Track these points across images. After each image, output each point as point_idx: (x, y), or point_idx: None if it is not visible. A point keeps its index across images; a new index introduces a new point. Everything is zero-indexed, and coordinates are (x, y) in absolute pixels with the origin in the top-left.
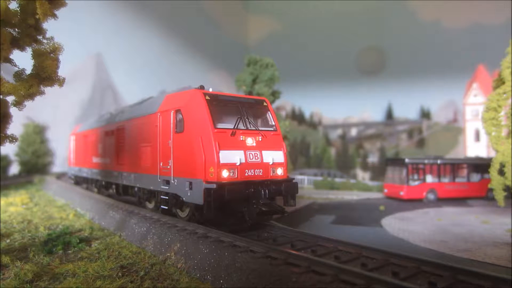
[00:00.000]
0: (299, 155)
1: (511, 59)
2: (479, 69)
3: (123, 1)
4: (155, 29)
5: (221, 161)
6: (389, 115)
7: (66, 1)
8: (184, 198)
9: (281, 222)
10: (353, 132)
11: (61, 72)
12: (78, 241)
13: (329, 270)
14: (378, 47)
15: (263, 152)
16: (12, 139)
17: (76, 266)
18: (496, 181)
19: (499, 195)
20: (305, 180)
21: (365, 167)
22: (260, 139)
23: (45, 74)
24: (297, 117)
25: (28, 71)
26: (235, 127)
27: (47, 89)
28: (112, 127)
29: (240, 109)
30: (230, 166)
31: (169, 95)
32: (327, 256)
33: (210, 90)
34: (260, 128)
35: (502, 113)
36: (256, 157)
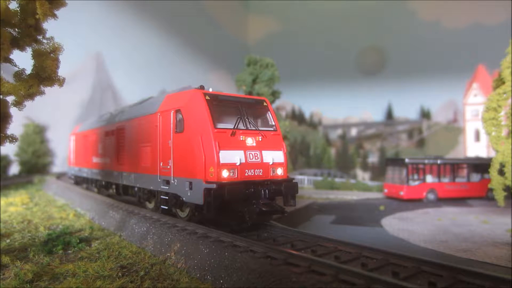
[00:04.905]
0: (299, 155)
1: (511, 59)
2: (479, 69)
3: (123, 1)
4: (155, 29)
5: (221, 161)
6: (389, 115)
7: (66, 1)
8: (184, 198)
9: (281, 222)
10: (353, 132)
11: (61, 72)
12: (78, 241)
13: (329, 270)
14: (378, 47)
15: (263, 152)
16: (12, 139)
17: (76, 266)
18: (496, 181)
19: (499, 195)
20: (305, 180)
21: (365, 167)
22: (260, 139)
23: (45, 74)
24: (297, 117)
25: (28, 71)
26: (235, 127)
27: (47, 89)
28: (112, 127)
29: (240, 109)
30: (230, 166)
31: (169, 95)
32: (327, 256)
33: (210, 90)
34: (260, 128)
35: (502, 113)
36: (256, 157)
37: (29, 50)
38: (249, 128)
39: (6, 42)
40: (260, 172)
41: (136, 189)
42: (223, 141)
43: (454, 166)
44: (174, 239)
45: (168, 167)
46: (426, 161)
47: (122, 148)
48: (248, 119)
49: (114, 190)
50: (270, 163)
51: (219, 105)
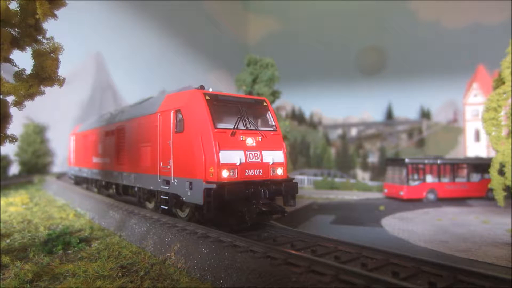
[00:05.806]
0: (299, 155)
1: (511, 59)
2: (479, 69)
3: (123, 1)
4: (155, 29)
5: (221, 161)
6: (389, 115)
7: (66, 1)
8: (184, 198)
9: (281, 222)
10: (353, 132)
11: (61, 72)
12: (78, 241)
13: (329, 270)
14: (378, 47)
15: (263, 152)
16: (12, 139)
17: (76, 266)
18: (496, 181)
19: (499, 195)
20: (305, 180)
21: (365, 167)
22: (260, 139)
23: (45, 74)
24: (297, 117)
25: (28, 71)
26: (235, 127)
27: (47, 89)
28: (112, 127)
29: (240, 109)
30: (230, 166)
31: (169, 95)
32: (327, 256)
33: (210, 90)
34: (260, 128)
35: (502, 113)
36: (256, 157)
37: (29, 50)
38: (249, 128)
39: (6, 42)
40: (260, 172)
41: (136, 189)
42: (223, 141)
43: (454, 166)
44: (174, 239)
45: (168, 167)
46: (426, 161)
47: (122, 148)
48: (248, 119)
49: (114, 190)
50: (270, 163)
51: (219, 105)
